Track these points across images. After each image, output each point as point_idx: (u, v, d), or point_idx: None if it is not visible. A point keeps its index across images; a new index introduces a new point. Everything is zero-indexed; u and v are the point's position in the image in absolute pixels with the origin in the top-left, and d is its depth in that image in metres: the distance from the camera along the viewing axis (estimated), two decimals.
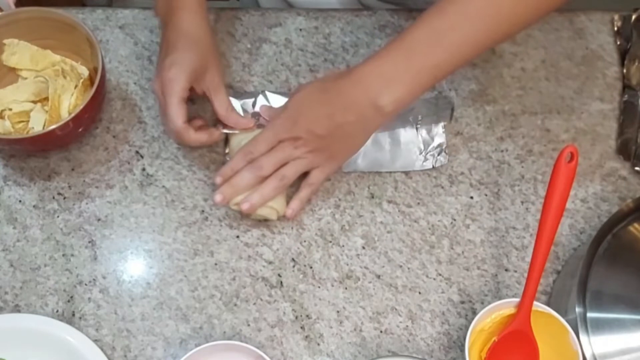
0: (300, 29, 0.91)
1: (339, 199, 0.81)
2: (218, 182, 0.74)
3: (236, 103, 0.82)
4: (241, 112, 0.82)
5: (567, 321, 0.68)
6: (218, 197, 0.73)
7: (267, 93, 0.84)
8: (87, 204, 0.80)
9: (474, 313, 0.74)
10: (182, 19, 0.76)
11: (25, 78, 0.83)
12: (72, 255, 0.78)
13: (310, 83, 0.75)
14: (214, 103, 0.78)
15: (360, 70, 0.70)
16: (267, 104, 0.83)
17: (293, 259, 0.78)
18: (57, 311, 0.75)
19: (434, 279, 0.77)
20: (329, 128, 0.72)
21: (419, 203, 0.81)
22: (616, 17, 0.91)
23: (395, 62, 0.69)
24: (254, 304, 0.76)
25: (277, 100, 0.83)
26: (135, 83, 0.87)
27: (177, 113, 0.74)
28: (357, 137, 0.75)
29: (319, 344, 0.74)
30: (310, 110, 0.72)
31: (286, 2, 0.99)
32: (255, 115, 0.81)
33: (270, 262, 0.78)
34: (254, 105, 0.83)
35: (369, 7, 0.95)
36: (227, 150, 0.81)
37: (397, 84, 0.69)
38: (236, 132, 0.79)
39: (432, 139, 0.82)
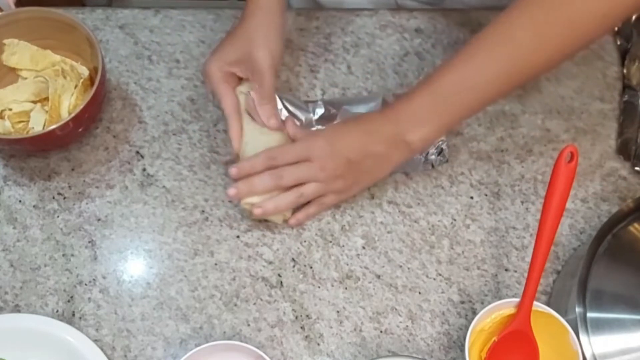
0: (301, 29, 0.91)
1: None
2: (233, 174, 0.75)
3: None
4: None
5: (567, 321, 0.68)
6: (232, 192, 0.74)
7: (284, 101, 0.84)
8: (87, 204, 0.80)
9: (474, 313, 0.74)
10: (249, 11, 0.79)
11: (25, 78, 0.83)
12: (72, 255, 0.78)
13: (345, 120, 0.79)
14: (254, 90, 0.78)
15: (392, 110, 0.74)
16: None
17: (293, 259, 0.78)
18: (57, 311, 0.75)
19: (434, 279, 0.77)
20: (360, 155, 0.74)
21: (419, 203, 0.81)
22: None
23: (423, 104, 0.72)
24: (254, 304, 0.76)
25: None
26: (135, 83, 0.87)
27: (222, 97, 0.78)
28: (381, 170, 0.77)
29: (319, 344, 0.74)
30: (346, 136, 0.74)
31: (316, 2, 0.98)
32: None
33: (270, 262, 0.78)
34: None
35: (403, 7, 0.95)
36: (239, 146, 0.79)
37: (424, 124, 0.72)
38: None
39: None
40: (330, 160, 0.74)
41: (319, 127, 0.82)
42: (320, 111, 0.83)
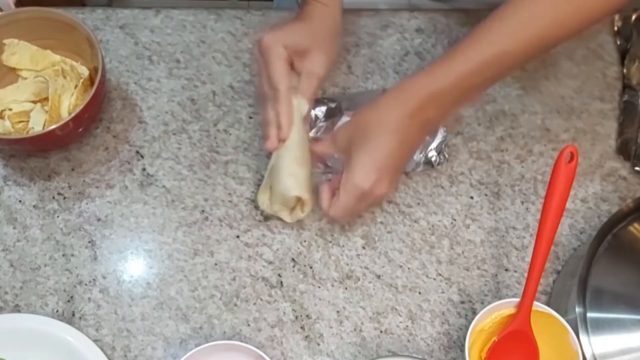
0: None
1: None
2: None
3: None
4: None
5: (567, 321, 0.68)
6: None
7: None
8: (87, 204, 0.80)
9: (474, 313, 0.74)
10: (314, 7, 0.76)
11: (25, 78, 0.83)
12: (72, 255, 0.78)
13: (363, 126, 0.72)
14: (300, 87, 0.76)
15: (410, 88, 0.70)
16: None
17: (293, 259, 0.78)
18: (57, 311, 0.75)
19: (434, 279, 0.77)
20: (398, 157, 0.71)
21: (419, 203, 0.81)
22: (616, 17, 0.91)
23: (434, 83, 0.68)
24: (254, 304, 0.76)
25: None
26: (135, 83, 0.87)
27: (279, 75, 0.73)
28: (411, 155, 0.76)
29: (319, 344, 0.74)
30: (384, 149, 0.70)
31: None
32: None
33: (270, 262, 0.78)
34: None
35: (417, 8, 0.94)
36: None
37: (439, 99, 0.69)
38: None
39: (432, 139, 0.82)
40: (382, 183, 0.70)
41: (324, 123, 0.82)
42: (323, 108, 0.83)
